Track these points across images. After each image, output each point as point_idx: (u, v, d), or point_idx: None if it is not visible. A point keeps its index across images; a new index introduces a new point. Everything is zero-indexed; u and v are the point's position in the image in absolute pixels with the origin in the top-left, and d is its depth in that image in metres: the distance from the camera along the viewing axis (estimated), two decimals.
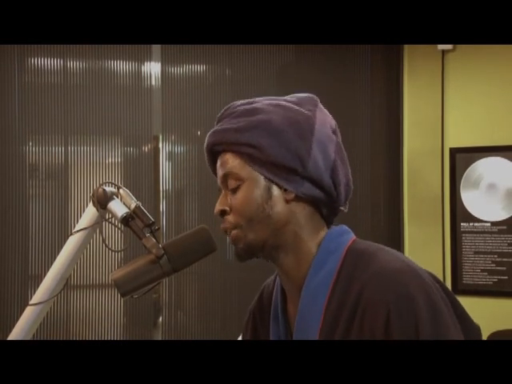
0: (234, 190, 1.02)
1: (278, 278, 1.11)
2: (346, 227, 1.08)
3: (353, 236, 1.06)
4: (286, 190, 1.01)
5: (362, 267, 0.97)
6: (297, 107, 1.02)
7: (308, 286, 1.01)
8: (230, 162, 1.02)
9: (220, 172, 1.04)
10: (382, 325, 0.88)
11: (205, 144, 1.07)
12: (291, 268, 1.04)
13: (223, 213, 1.03)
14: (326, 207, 1.05)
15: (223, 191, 1.05)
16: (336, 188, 1.02)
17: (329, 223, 1.07)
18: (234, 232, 1.02)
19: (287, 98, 1.06)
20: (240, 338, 1.24)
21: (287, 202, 1.01)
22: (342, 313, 0.95)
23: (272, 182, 1.00)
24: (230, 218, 1.02)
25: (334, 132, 1.05)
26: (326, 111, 1.06)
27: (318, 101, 1.07)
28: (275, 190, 1.01)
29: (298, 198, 1.01)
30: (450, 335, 0.88)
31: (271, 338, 1.09)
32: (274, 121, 0.99)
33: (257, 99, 1.06)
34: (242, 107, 1.03)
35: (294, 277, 1.04)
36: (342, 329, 0.93)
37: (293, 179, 1.00)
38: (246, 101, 1.06)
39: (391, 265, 0.95)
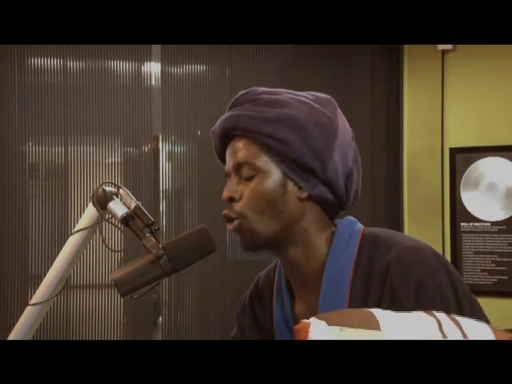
0: (248, 179, 1.00)
1: (279, 268, 1.12)
2: (353, 218, 1.09)
3: (362, 225, 1.07)
4: (300, 188, 1.00)
5: (382, 249, 0.98)
6: (320, 107, 1.01)
7: (328, 272, 1.01)
8: (247, 149, 1.00)
9: (233, 158, 1.02)
10: (412, 295, 0.91)
11: (218, 127, 1.04)
12: (299, 261, 1.04)
13: (231, 199, 1.02)
14: (333, 209, 1.06)
15: (233, 176, 1.03)
16: (347, 194, 1.03)
17: (332, 221, 1.08)
18: (237, 221, 1.01)
19: (306, 95, 1.04)
20: (234, 329, 1.24)
21: (300, 200, 1.01)
22: (368, 294, 0.96)
23: (288, 177, 1.00)
24: (237, 206, 1.01)
25: (353, 139, 1.06)
26: (344, 117, 1.06)
27: (336, 104, 1.06)
28: (290, 186, 1.00)
29: (309, 198, 1.01)
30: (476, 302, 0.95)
31: (275, 321, 1.09)
32: (299, 117, 0.98)
33: (279, 90, 1.04)
34: (266, 96, 1.01)
35: (301, 269, 1.04)
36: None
37: (310, 179, 1.00)
38: (268, 90, 1.04)
39: (410, 243, 0.98)
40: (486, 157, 2.97)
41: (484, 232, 2.96)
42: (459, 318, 0.82)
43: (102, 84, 2.94)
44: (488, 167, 2.97)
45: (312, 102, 1.01)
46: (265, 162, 0.99)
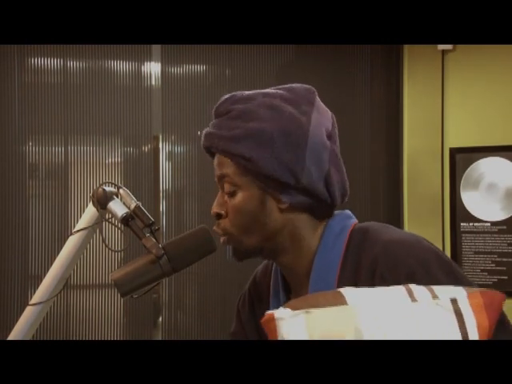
0: (231, 195, 1.02)
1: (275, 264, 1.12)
2: (349, 212, 1.09)
3: (356, 220, 1.08)
4: (280, 200, 1.00)
5: (369, 242, 0.98)
6: (292, 109, 1.00)
7: (317, 266, 1.01)
8: (225, 166, 1.01)
9: (216, 171, 1.04)
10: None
11: (202, 143, 1.06)
12: (292, 264, 1.05)
13: (218, 216, 1.04)
14: (320, 211, 1.05)
15: (220, 191, 1.05)
16: (331, 195, 1.02)
17: (324, 219, 1.07)
18: (225, 238, 1.04)
19: (284, 92, 1.03)
20: (234, 323, 1.24)
21: (281, 211, 1.01)
22: (357, 286, 0.96)
23: (266, 192, 1.00)
24: (223, 223, 1.04)
25: (329, 136, 1.03)
26: (322, 107, 1.04)
27: (316, 94, 1.04)
28: (269, 200, 1.01)
29: (292, 207, 1.01)
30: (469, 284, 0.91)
31: None
32: (266, 131, 0.97)
33: (253, 94, 1.03)
34: (238, 107, 1.01)
35: (296, 270, 1.05)
36: None
37: (287, 191, 1.00)
38: (242, 96, 1.03)
39: (399, 236, 0.98)
40: (486, 157, 2.97)
41: (484, 232, 2.96)
42: (434, 286, 0.82)
43: (102, 84, 2.94)
44: (488, 167, 2.97)
45: (285, 105, 1.00)
46: (241, 179, 1.00)
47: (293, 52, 3.16)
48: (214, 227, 1.06)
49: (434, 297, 0.80)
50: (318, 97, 1.05)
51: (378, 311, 0.79)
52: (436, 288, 0.82)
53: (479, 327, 0.77)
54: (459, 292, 0.81)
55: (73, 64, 2.93)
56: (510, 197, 2.93)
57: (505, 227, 2.93)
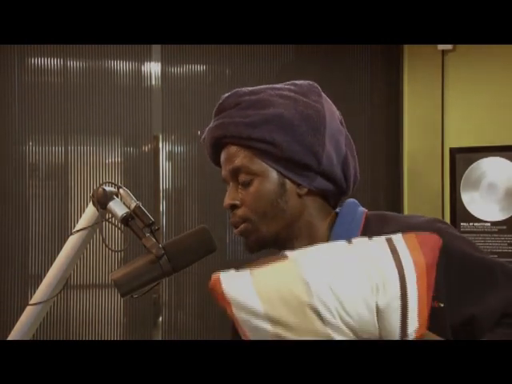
0: (246, 184, 1.01)
1: None
2: (355, 200, 1.09)
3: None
4: (299, 185, 1.01)
5: (390, 224, 0.99)
6: (304, 98, 1.00)
7: (333, 240, 1.01)
8: (240, 155, 1.00)
9: (228, 165, 1.02)
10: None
11: (207, 137, 1.04)
12: None
13: (233, 207, 1.03)
14: (334, 197, 1.06)
15: (231, 183, 1.03)
16: (347, 180, 1.03)
17: (335, 207, 1.09)
18: (243, 225, 1.02)
19: (290, 86, 1.03)
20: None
21: (300, 196, 1.01)
22: None
23: (285, 177, 1.00)
24: (240, 212, 1.02)
25: (342, 123, 1.05)
26: (329, 101, 1.06)
27: (319, 88, 1.05)
28: (288, 185, 1.01)
29: (310, 192, 1.02)
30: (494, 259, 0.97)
31: None
32: (286, 115, 0.98)
33: (260, 88, 1.03)
34: (249, 98, 1.01)
35: None
36: None
37: (307, 175, 1.00)
38: (249, 90, 1.04)
39: (419, 218, 1.01)
40: (486, 157, 2.97)
41: (484, 232, 2.96)
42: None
43: (102, 84, 2.94)
44: (488, 167, 2.97)
45: (295, 95, 1.01)
46: (259, 165, 1.00)
47: (293, 52, 3.16)
48: (231, 219, 1.03)
49: (370, 239, 0.83)
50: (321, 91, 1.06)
51: (317, 257, 0.81)
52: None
53: (415, 263, 0.79)
54: (395, 234, 0.84)
55: (73, 64, 2.93)
56: (509, 197, 2.93)
57: (505, 227, 2.93)
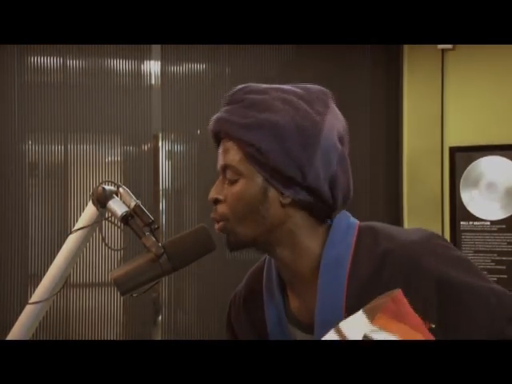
0: (232, 182, 1.01)
1: (268, 266, 1.12)
2: (347, 212, 1.08)
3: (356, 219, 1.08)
4: (282, 194, 1.00)
5: (380, 244, 0.99)
6: (307, 107, 0.99)
7: (325, 260, 1.01)
8: (232, 153, 1.00)
9: (221, 160, 1.03)
10: (434, 292, 0.93)
11: (209, 128, 1.05)
12: (288, 260, 1.04)
13: (216, 201, 1.03)
14: (321, 212, 1.04)
15: (221, 177, 1.04)
16: (333, 197, 1.02)
17: (325, 220, 1.07)
18: (222, 224, 1.03)
19: (300, 91, 1.02)
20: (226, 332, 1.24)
21: (283, 205, 1.01)
22: (371, 284, 0.96)
23: (270, 184, 1.00)
24: (220, 208, 1.02)
25: (341, 139, 1.03)
26: (336, 111, 1.04)
27: (330, 97, 1.04)
28: (272, 192, 1.00)
29: (294, 203, 1.01)
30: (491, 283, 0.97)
31: (267, 317, 1.09)
32: (280, 124, 0.97)
33: (269, 88, 1.02)
34: (253, 97, 1.01)
35: (293, 268, 1.04)
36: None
37: (291, 186, 0.99)
38: (258, 88, 1.03)
39: (413, 235, 1.02)
40: (485, 156, 2.97)
41: (484, 231, 2.96)
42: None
43: (101, 83, 2.94)
44: (488, 166, 2.97)
45: (300, 102, 0.99)
46: (247, 167, 0.99)
47: (293, 52, 3.16)
48: (211, 214, 1.04)
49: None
50: (332, 100, 1.04)
51: None
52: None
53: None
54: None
55: (72, 63, 2.93)
56: (509, 196, 2.93)
57: (504, 226, 2.93)
